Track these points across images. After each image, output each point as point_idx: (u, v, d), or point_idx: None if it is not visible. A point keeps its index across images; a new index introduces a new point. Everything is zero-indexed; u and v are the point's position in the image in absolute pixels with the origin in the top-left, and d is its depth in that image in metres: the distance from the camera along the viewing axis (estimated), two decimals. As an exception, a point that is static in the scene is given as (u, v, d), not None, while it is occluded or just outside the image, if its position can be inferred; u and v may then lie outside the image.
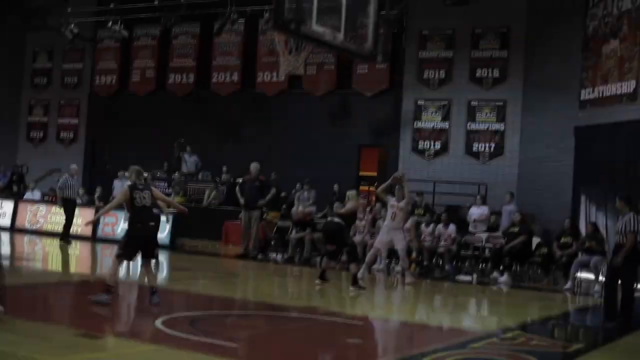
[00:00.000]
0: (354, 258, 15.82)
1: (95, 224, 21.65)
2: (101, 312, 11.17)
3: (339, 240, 15.60)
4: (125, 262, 12.34)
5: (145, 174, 21.52)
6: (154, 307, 11.18)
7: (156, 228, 11.90)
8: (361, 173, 27.07)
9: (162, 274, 15.76)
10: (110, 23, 26.99)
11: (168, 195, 22.75)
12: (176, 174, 26.62)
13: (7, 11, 27.89)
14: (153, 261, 12.25)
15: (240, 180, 22.46)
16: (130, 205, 11.54)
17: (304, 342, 10.26)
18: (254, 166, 20.78)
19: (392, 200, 16.90)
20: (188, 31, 29.49)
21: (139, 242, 11.52)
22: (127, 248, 11.55)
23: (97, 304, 11.21)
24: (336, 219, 15.45)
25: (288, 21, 12.33)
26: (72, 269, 18.42)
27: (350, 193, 15.88)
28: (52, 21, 27.87)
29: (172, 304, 12.07)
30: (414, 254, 19.04)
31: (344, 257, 16.44)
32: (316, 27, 12.86)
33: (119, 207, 12.87)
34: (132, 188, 11.59)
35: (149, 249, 11.72)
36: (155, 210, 16.05)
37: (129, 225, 11.81)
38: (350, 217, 15.75)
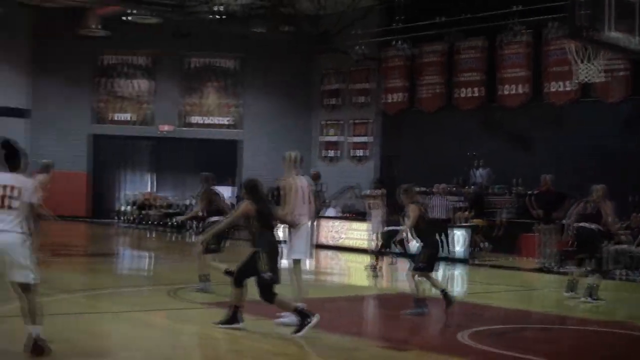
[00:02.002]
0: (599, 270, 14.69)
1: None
2: (401, 325, 11.46)
3: (592, 247, 14.56)
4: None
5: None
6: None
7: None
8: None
9: (462, 287, 15.88)
10: (396, 42, 27.64)
11: None
12: (467, 188, 26.71)
13: (297, 38, 29.24)
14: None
15: (531, 192, 22.16)
16: None
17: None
18: (549, 177, 20.55)
19: None
20: (473, 45, 29.47)
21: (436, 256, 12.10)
22: (431, 261, 11.95)
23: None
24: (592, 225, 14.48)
25: (582, 29, 12.18)
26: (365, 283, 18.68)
27: None
28: (339, 43, 28.91)
29: (473, 317, 12.14)
30: None
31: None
32: (611, 33, 12.60)
33: None
34: None
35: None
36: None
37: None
38: None
